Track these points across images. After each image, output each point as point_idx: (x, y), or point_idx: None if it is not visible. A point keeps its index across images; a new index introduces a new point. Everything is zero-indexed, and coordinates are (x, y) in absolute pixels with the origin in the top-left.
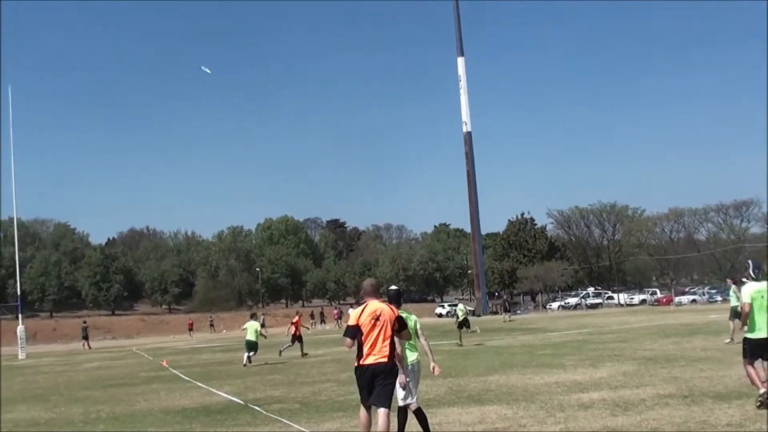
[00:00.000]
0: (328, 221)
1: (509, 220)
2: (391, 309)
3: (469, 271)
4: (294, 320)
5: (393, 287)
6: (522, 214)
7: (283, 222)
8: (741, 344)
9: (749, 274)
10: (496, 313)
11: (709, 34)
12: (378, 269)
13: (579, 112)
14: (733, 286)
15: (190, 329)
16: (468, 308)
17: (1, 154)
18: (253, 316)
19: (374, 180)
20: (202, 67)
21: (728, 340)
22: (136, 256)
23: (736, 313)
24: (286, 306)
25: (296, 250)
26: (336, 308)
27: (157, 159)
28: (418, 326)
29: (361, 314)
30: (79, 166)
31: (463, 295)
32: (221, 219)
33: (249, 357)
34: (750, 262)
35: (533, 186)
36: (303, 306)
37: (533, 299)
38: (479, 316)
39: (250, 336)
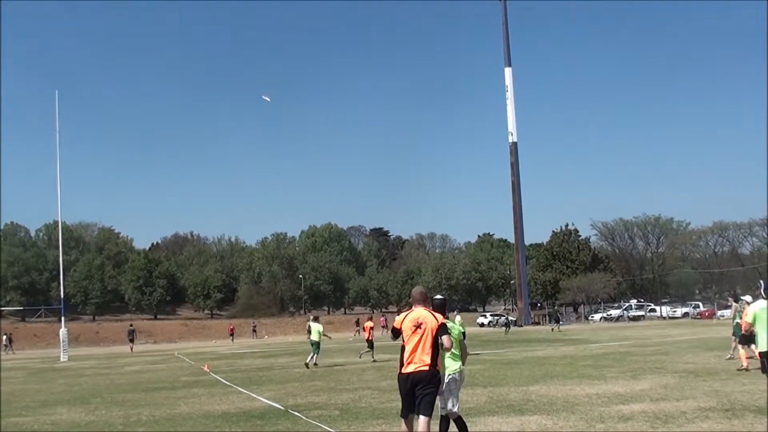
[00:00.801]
0: (371, 229)
1: (553, 231)
2: (434, 317)
3: (511, 281)
4: (368, 324)
5: (438, 297)
6: (566, 226)
7: (327, 229)
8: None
9: (761, 293)
10: (538, 323)
11: (755, 42)
12: (421, 278)
13: (624, 123)
14: (735, 305)
15: (231, 334)
16: (510, 318)
17: (50, 157)
18: (316, 319)
19: (418, 189)
20: (263, 96)
21: (728, 356)
22: (179, 261)
23: (739, 331)
24: (328, 312)
25: (339, 258)
26: (383, 316)
27: (202, 164)
28: (462, 337)
29: (404, 319)
30: (125, 170)
31: (505, 305)
32: (265, 226)
33: (313, 357)
34: (762, 282)
35: (577, 197)
36: (345, 313)
37: (575, 310)
38: (521, 326)
39: (314, 336)
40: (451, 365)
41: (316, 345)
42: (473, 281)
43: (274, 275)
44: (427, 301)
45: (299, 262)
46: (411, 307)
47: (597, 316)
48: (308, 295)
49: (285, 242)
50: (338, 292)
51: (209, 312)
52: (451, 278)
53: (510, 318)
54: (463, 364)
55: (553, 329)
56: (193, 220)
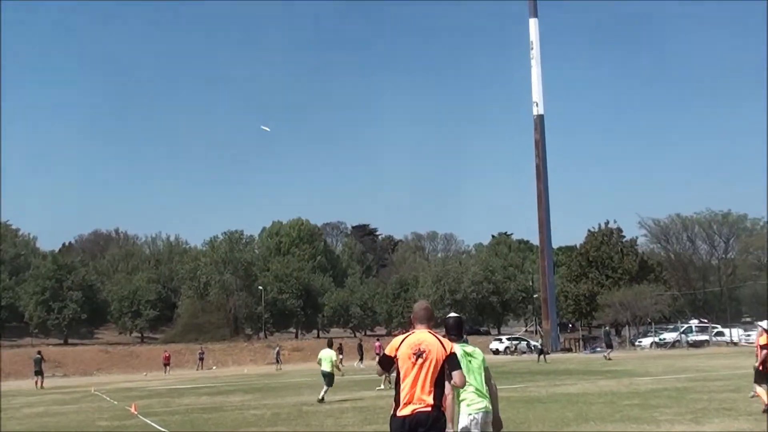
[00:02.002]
0: (354, 227)
1: (589, 231)
2: (441, 343)
3: (535, 296)
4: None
5: (453, 315)
6: (606, 223)
7: (296, 226)
8: None
9: None
10: (569, 350)
11: None
12: (417, 290)
13: (678, 96)
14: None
15: (166, 364)
16: (533, 343)
17: None
18: (330, 344)
19: (414, 176)
20: (262, 127)
21: (751, 394)
22: (99, 267)
23: None
24: (296, 336)
25: (312, 264)
26: (378, 340)
27: (132, 141)
28: (486, 365)
29: (400, 344)
30: (26, 147)
31: (527, 325)
32: (215, 221)
33: (325, 392)
34: None
35: (621, 186)
36: (318, 336)
37: (618, 333)
38: (547, 353)
39: (326, 366)
40: (473, 402)
41: (329, 377)
42: (485, 295)
43: (226, 286)
44: (432, 320)
45: (259, 269)
46: (409, 328)
47: (646, 341)
48: (270, 312)
49: (241, 243)
50: (310, 309)
51: (139, 335)
52: (457, 291)
53: (540, 344)
54: (493, 405)
55: (606, 356)
56: (118, 213)
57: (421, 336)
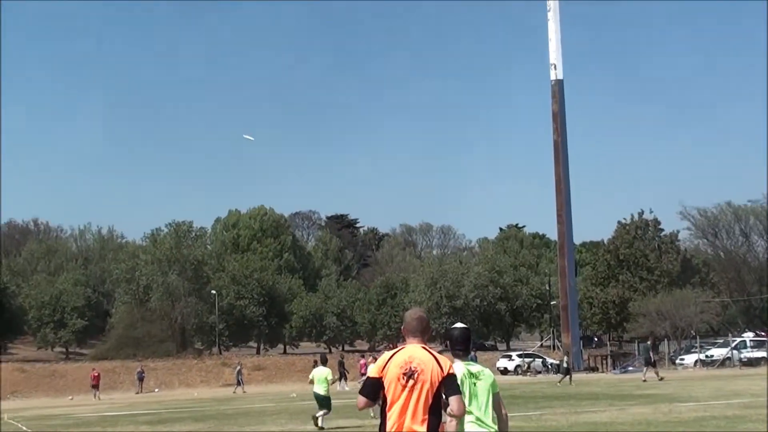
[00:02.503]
0: (329, 217)
1: (619, 223)
2: (437, 361)
3: (553, 303)
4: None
5: (459, 325)
6: (640, 214)
7: (257, 217)
8: None
9: None
10: (594, 369)
11: None
12: (407, 296)
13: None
14: None
15: (95, 385)
16: (550, 361)
17: None
18: (324, 361)
19: (402, 155)
20: (245, 136)
21: None
22: (14, 267)
23: None
24: (258, 352)
25: (277, 263)
26: (363, 356)
27: (52, 118)
28: (496, 389)
29: (387, 363)
30: None
31: (542, 339)
32: (157, 211)
33: (319, 417)
34: None
35: (658, 169)
36: (285, 352)
37: (654, 348)
38: (567, 373)
39: (319, 389)
40: None
41: (325, 401)
42: (491, 302)
43: (171, 290)
44: (427, 332)
45: (212, 269)
46: (398, 343)
47: (689, 359)
48: (226, 322)
49: (190, 237)
50: (275, 319)
51: (63, 350)
52: (457, 297)
53: (565, 361)
54: (506, 430)
55: (657, 373)
56: (38, 200)
57: (413, 352)
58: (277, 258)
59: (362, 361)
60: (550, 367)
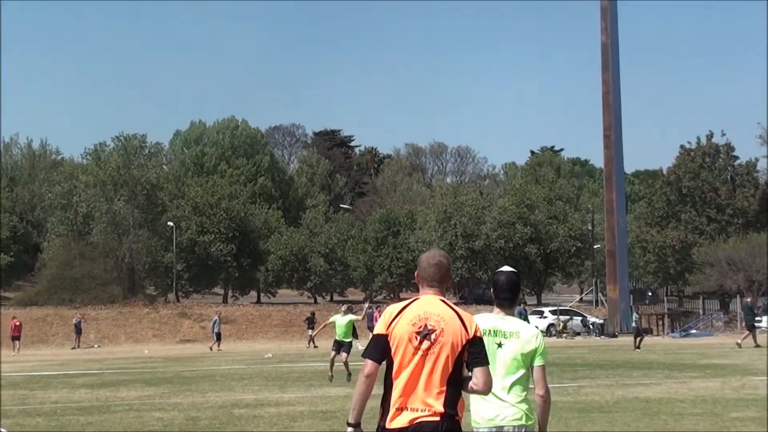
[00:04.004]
0: (317, 133)
1: (682, 148)
2: (461, 319)
3: (596, 246)
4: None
5: (506, 269)
6: (709, 137)
7: (227, 130)
8: None
9: None
10: (647, 331)
11: None
12: (413, 234)
13: None
14: None
15: (16, 337)
16: (592, 319)
17: None
18: (349, 309)
19: (409, 59)
20: None
21: None
22: None
23: None
24: (225, 300)
25: (251, 189)
26: (369, 303)
27: None
28: (539, 359)
29: (396, 318)
30: None
31: (582, 292)
32: (102, 120)
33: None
34: None
35: (731, 80)
36: (258, 302)
37: (724, 307)
38: (614, 335)
39: (342, 333)
40: (503, 412)
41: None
42: (518, 243)
43: (118, 221)
44: (447, 280)
45: (169, 195)
46: (398, 294)
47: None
48: (185, 262)
49: (142, 155)
50: (247, 260)
51: None
52: (476, 236)
53: (635, 322)
54: (540, 421)
55: (755, 339)
56: None
57: (431, 306)
58: (251, 183)
59: (375, 313)
60: (591, 327)
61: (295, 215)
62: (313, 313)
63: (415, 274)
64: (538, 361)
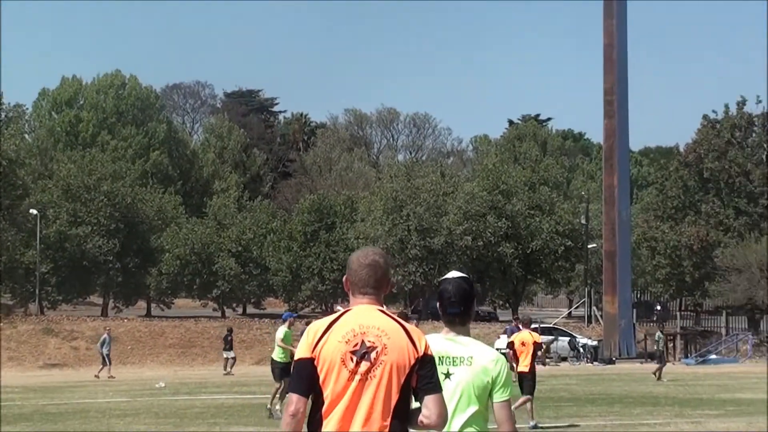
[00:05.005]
0: (228, 94)
1: (705, 119)
2: (408, 333)
3: (591, 246)
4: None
5: (454, 275)
6: (740, 105)
7: (110, 89)
8: None
9: None
10: (652, 357)
11: None
12: (354, 227)
13: None
14: None
15: None
16: (583, 340)
17: None
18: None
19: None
20: None
21: None
22: None
23: None
24: (104, 312)
25: (141, 167)
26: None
27: None
28: (501, 393)
29: (323, 336)
30: None
31: (572, 304)
32: None
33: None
34: None
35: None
36: (149, 315)
37: (754, 326)
38: (611, 361)
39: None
40: None
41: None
42: (490, 241)
43: None
44: (386, 286)
45: (32, 173)
46: (335, 304)
47: None
48: (53, 262)
49: None
50: (134, 260)
51: None
52: (434, 231)
53: (658, 346)
54: None
55: None
56: None
57: (367, 317)
58: (141, 159)
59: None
60: (582, 350)
61: (198, 202)
62: (231, 330)
63: (344, 278)
64: (499, 396)
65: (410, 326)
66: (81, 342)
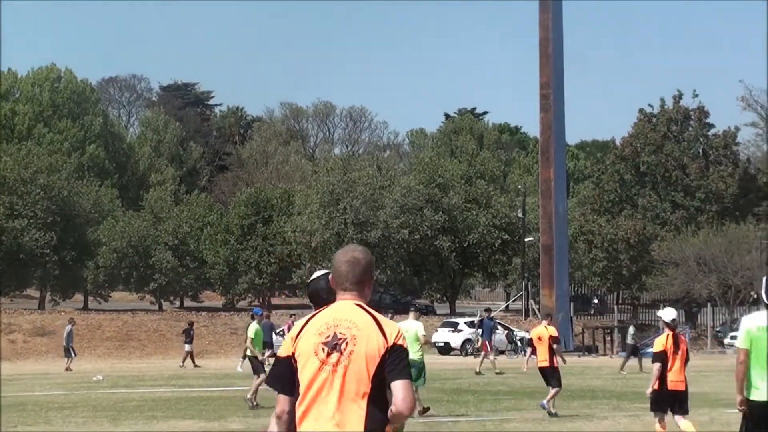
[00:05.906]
0: (164, 87)
1: (642, 112)
2: (379, 326)
3: (528, 239)
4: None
5: (322, 273)
6: (677, 99)
7: (45, 82)
8: None
9: (762, 296)
10: (592, 350)
11: None
12: (290, 220)
13: None
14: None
15: None
16: (519, 333)
17: None
18: (417, 315)
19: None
20: None
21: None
22: None
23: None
24: (41, 305)
25: (77, 160)
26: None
27: None
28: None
29: (300, 332)
30: None
31: (509, 297)
32: None
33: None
34: (765, 278)
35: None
36: (86, 308)
37: (690, 317)
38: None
39: (413, 354)
40: None
41: (418, 369)
42: (427, 234)
43: None
44: (368, 281)
45: None
46: (320, 302)
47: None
48: None
49: None
50: (70, 253)
51: None
52: (371, 224)
53: (632, 334)
54: None
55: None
56: None
57: (342, 312)
58: (78, 152)
59: (288, 322)
60: (520, 344)
61: (135, 195)
62: (191, 324)
63: (330, 277)
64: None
65: (383, 318)
66: (18, 335)
